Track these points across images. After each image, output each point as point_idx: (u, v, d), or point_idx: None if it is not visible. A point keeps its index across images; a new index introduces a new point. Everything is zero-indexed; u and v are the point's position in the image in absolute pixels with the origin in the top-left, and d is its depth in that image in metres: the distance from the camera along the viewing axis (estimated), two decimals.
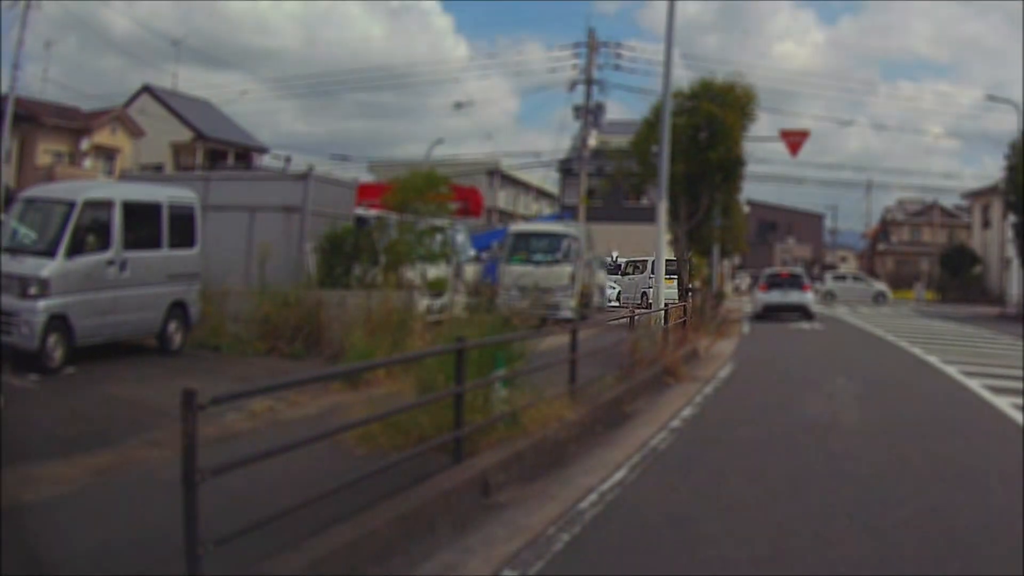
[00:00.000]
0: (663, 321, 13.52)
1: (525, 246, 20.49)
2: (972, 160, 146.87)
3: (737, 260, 68.55)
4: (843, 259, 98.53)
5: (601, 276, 27.28)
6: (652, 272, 23.98)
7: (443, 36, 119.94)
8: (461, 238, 20.84)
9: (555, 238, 20.44)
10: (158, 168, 37.58)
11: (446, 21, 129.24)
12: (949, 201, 74.51)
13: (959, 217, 73.02)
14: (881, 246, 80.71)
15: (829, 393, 12.43)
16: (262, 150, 46.75)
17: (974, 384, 13.56)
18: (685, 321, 15.65)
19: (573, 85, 43.81)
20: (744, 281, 53.44)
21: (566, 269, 19.99)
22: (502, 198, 65.37)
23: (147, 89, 45.54)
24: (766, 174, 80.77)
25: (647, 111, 22.71)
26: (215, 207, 15.47)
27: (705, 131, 20.54)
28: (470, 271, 20.98)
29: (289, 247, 14.95)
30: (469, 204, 21.38)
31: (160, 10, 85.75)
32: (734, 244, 48.28)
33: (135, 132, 41.79)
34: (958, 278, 54.75)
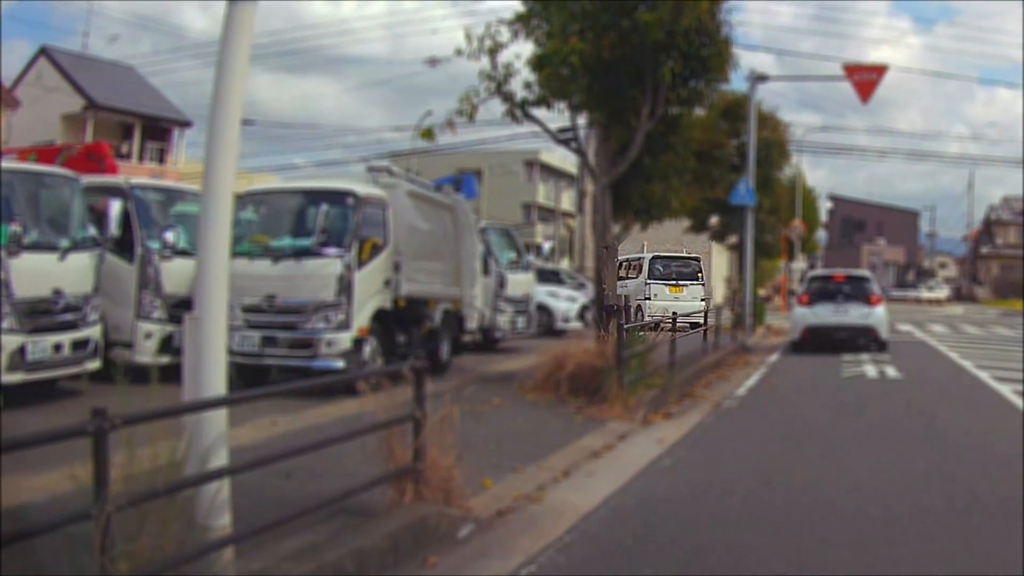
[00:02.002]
0: None
1: (261, 224, 9.98)
2: None
3: (818, 262, 56.75)
4: (942, 265, 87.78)
5: (525, 282, 16.82)
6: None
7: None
8: (154, 211, 10.50)
9: (316, 201, 9.73)
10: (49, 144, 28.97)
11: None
12: None
13: None
14: (984, 249, 70.95)
15: None
16: (185, 123, 37.34)
17: None
18: (416, 422, 4.85)
19: None
20: None
21: (332, 267, 9.37)
22: (542, 192, 54.38)
23: (44, 52, 36.74)
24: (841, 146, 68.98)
25: None
26: None
27: None
28: (178, 271, 10.45)
29: None
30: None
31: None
32: (803, 239, 34.82)
33: (9, 103, 34.01)
34: None
